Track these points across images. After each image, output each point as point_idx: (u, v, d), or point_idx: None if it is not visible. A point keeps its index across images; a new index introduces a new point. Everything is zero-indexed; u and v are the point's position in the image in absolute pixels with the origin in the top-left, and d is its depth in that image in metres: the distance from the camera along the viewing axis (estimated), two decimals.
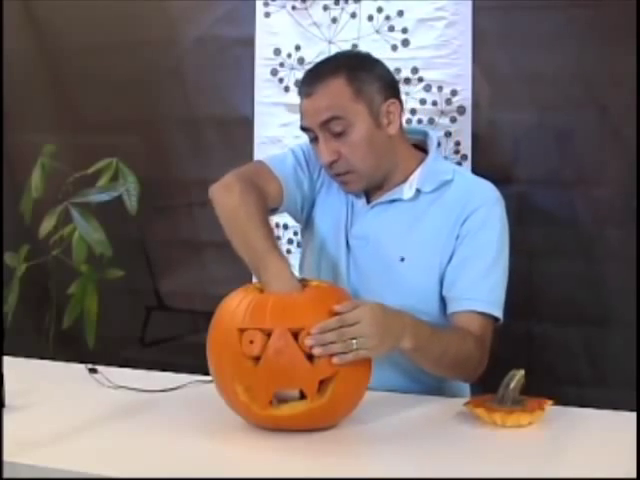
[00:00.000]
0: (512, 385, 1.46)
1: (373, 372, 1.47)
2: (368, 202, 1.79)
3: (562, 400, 1.52)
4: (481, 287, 1.68)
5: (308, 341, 1.36)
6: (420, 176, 1.75)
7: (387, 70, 1.80)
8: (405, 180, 1.76)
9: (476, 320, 1.67)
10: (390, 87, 1.76)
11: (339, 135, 1.68)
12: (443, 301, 1.73)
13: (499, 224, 1.73)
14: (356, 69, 1.72)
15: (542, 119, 2.20)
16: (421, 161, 1.79)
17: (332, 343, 1.37)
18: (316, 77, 1.72)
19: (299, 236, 2.41)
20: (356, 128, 1.69)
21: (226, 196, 1.68)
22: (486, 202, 1.73)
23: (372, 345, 1.41)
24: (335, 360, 1.38)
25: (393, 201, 1.76)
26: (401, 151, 1.78)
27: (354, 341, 1.38)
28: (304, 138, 2.47)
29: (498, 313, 1.71)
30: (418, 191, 1.75)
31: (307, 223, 1.88)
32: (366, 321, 1.41)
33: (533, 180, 2.23)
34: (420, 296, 1.71)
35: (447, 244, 1.71)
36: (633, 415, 1.45)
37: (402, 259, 1.72)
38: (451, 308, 1.70)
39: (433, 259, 1.71)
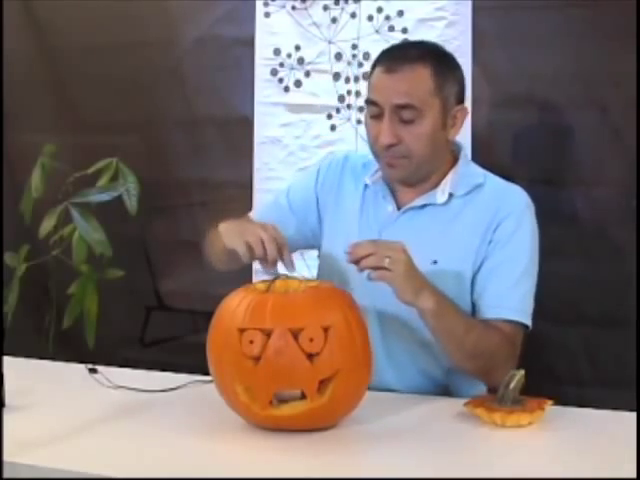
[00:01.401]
0: (512, 385, 1.46)
1: (399, 376, 1.47)
2: (398, 208, 1.76)
3: (562, 400, 1.51)
4: (512, 295, 1.66)
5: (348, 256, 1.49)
6: (452, 180, 1.73)
7: (464, 76, 1.77)
8: (437, 185, 1.74)
9: (506, 327, 1.65)
10: (463, 93, 1.75)
11: (405, 122, 1.65)
12: (472, 305, 1.71)
13: (530, 231, 1.72)
14: (443, 65, 1.69)
15: (542, 119, 2.20)
16: (452, 165, 1.77)
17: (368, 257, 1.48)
18: (403, 56, 1.67)
19: None
20: (425, 121, 1.65)
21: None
22: (518, 207, 1.71)
23: (400, 271, 1.48)
24: (372, 274, 1.49)
25: (424, 206, 1.74)
26: (445, 156, 1.76)
27: (387, 260, 1.46)
28: (304, 138, 2.48)
29: (528, 321, 1.69)
30: (451, 195, 1.72)
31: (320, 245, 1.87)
32: (399, 250, 1.50)
33: (533, 180, 2.23)
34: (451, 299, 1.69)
35: (480, 249, 1.69)
36: (633, 415, 1.45)
37: (435, 262, 1.69)
38: (481, 314, 1.68)
39: (465, 263, 1.69)
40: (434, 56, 1.69)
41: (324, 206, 1.84)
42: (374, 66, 1.72)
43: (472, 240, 1.69)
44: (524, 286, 1.69)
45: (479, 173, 1.77)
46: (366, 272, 1.53)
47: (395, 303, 1.56)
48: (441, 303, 1.55)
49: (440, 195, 1.72)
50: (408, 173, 1.71)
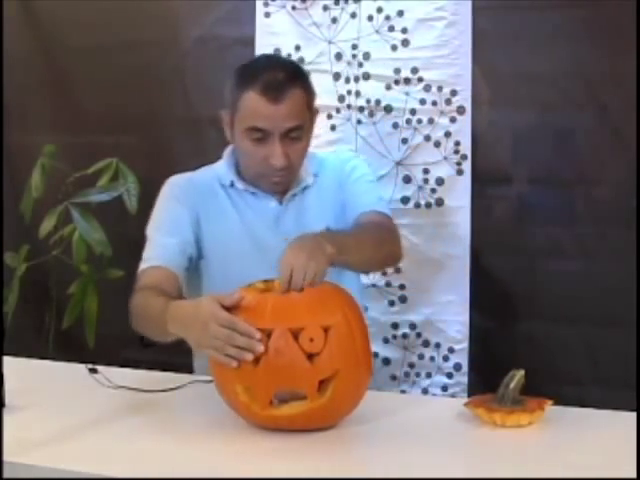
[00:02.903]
0: (512, 385, 1.46)
1: None
2: (280, 203, 1.86)
3: (562, 400, 1.52)
4: (368, 197, 1.87)
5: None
6: (308, 164, 1.87)
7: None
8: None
9: (376, 215, 1.82)
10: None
11: (293, 140, 1.76)
12: None
13: (365, 165, 1.95)
14: (306, 79, 1.81)
15: (542, 119, 2.20)
16: None
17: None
18: (278, 82, 1.74)
19: None
20: (305, 135, 1.79)
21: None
22: (348, 156, 1.99)
23: (321, 262, 1.49)
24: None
25: (301, 191, 1.87)
26: None
27: (308, 276, 1.46)
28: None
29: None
30: (314, 175, 1.89)
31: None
32: (306, 255, 1.50)
33: (533, 180, 2.23)
34: None
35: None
36: (633, 415, 1.45)
37: (327, 229, 1.79)
38: (352, 218, 1.82)
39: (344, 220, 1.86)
40: (298, 73, 1.81)
41: (197, 221, 1.86)
42: (241, 90, 1.75)
43: (338, 198, 1.87)
44: (375, 193, 1.91)
45: (314, 153, 1.93)
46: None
47: None
48: (336, 240, 1.60)
49: (308, 178, 1.88)
50: (288, 182, 1.85)
